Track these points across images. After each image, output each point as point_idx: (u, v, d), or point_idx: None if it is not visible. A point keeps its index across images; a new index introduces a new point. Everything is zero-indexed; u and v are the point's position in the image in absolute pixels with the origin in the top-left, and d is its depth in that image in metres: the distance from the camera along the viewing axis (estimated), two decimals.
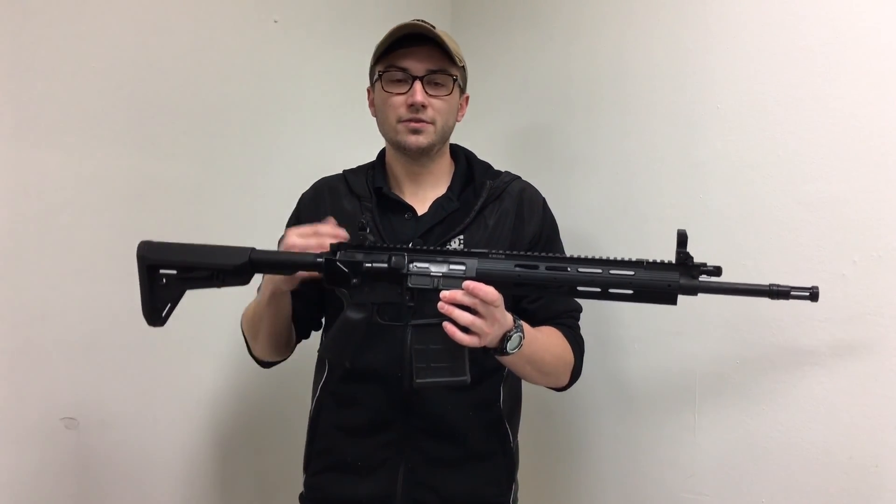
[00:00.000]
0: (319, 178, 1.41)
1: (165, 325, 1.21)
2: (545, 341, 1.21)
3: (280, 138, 1.80)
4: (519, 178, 1.37)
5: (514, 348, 1.11)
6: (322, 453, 1.30)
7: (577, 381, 1.32)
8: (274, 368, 1.40)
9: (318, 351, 1.34)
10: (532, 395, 1.42)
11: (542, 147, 1.79)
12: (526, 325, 1.14)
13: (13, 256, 1.45)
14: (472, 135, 1.52)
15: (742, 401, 1.32)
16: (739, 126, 1.33)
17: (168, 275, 1.13)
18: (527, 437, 1.40)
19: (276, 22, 1.80)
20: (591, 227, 1.62)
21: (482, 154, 1.40)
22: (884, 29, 1.13)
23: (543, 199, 1.36)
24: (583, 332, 1.34)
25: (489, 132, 1.88)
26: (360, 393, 1.25)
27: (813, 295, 1.00)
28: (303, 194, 1.39)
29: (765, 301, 1.27)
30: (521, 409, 1.39)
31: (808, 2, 1.23)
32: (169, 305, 1.14)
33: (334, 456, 1.28)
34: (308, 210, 1.34)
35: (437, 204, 1.30)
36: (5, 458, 1.44)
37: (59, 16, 1.50)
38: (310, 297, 1.29)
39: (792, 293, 1.00)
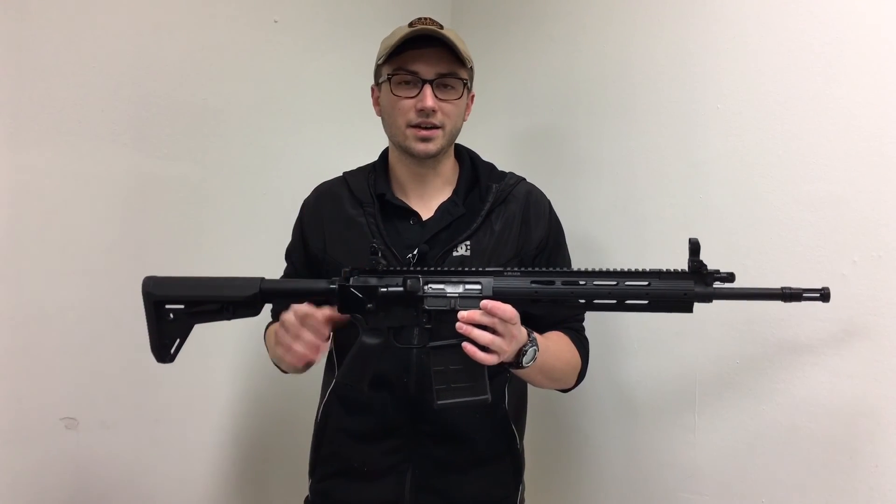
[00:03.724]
0: (319, 178, 1.40)
1: None
2: (555, 350, 1.22)
3: (280, 138, 1.80)
4: (524, 179, 1.36)
5: (530, 362, 1.11)
6: (329, 458, 1.29)
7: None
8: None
9: (336, 377, 1.30)
10: (535, 395, 1.42)
11: (543, 148, 1.79)
12: (538, 337, 1.14)
13: (13, 256, 1.45)
14: (473, 136, 1.52)
15: (742, 401, 1.32)
16: (740, 126, 1.33)
17: (175, 310, 1.11)
18: (530, 438, 1.40)
19: (276, 22, 1.80)
20: (592, 226, 1.62)
21: (484, 156, 1.40)
22: (884, 29, 1.13)
23: (549, 202, 1.36)
24: (585, 332, 1.34)
25: (490, 133, 1.88)
26: (366, 398, 1.25)
27: (824, 296, 1.02)
28: (305, 200, 1.38)
29: (765, 301, 1.28)
30: (526, 409, 1.39)
31: (808, 2, 1.23)
32: (178, 341, 1.13)
33: (341, 461, 1.27)
34: (311, 217, 1.34)
35: (442, 209, 1.29)
36: (5, 458, 1.44)
37: (59, 16, 1.49)
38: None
39: (804, 295, 1.02)
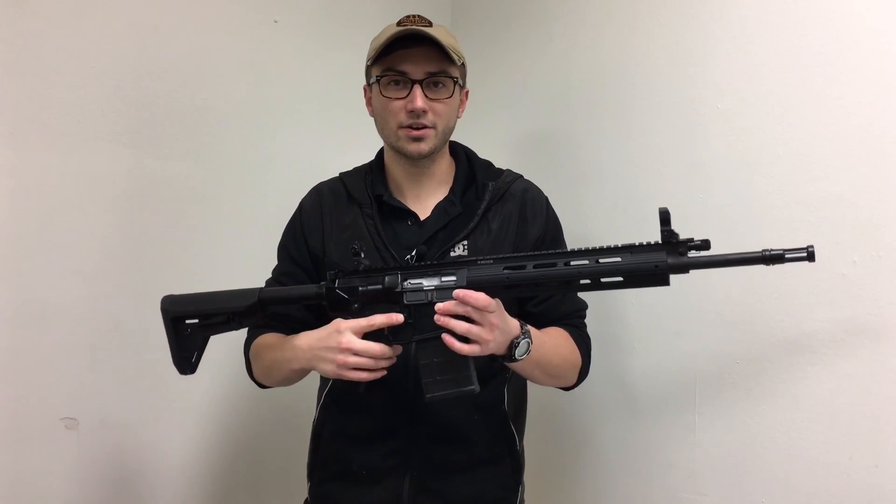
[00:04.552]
0: (318, 178, 1.40)
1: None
2: (553, 344, 1.21)
3: (279, 138, 1.80)
4: (521, 177, 1.35)
5: (523, 354, 1.10)
6: (327, 461, 1.29)
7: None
8: None
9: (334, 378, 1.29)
10: (535, 396, 1.42)
11: (543, 147, 1.79)
12: (533, 330, 1.13)
13: (13, 256, 1.45)
14: (472, 135, 1.52)
15: (742, 401, 1.32)
16: (740, 126, 1.33)
17: (191, 324, 1.20)
18: (530, 438, 1.40)
19: (276, 22, 1.80)
20: (592, 227, 1.62)
21: (482, 155, 1.40)
22: (884, 29, 1.13)
23: (546, 198, 1.35)
24: (586, 329, 1.33)
25: (489, 133, 1.88)
26: (364, 400, 1.24)
27: (810, 254, 0.93)
28: (302, 201, 1.37)
29: (764, 301, 1.28)
30: (526, 410, 1.38)
31: (808, 2, 1.23)
32: (196, 353, 1.21)
33: (340, 464, 1.27)
34: (310, 219, 1.33)
35: (439, 208, 1.28)
36: (5, 458, 1.44)
37: (59, 16, 1.50)
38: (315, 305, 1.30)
39: (787, 256, 0.93)
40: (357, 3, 1.93)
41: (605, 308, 1.52)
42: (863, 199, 1.15)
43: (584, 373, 1.29)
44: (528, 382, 1.37)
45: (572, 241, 1.39)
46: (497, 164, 1.39)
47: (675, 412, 1.45)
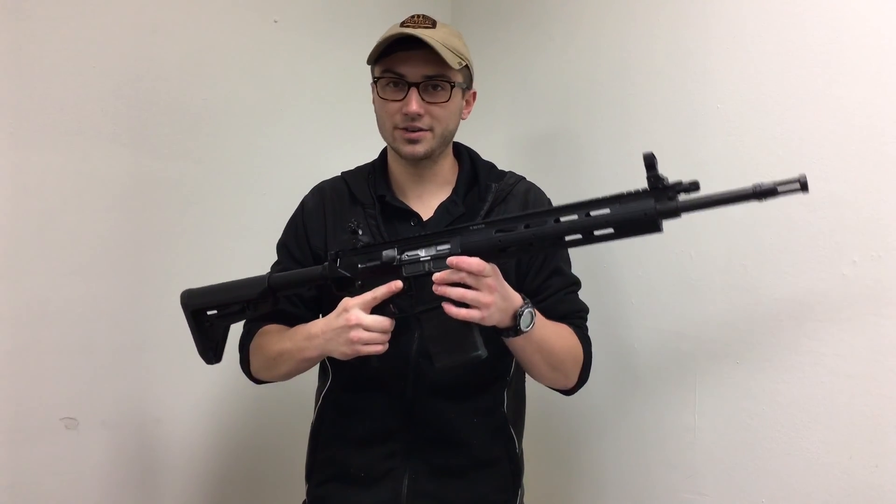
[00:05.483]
0: (319, 177, 1.40)
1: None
2: (555, 330, 1.20)
3: (279, 138, 1.80)
4: (523, 178, 1.35)
5: (528, 325, 1.10)
6: (325, 463, 1.29)
7: None
8: None
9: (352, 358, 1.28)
10: (534, 398, 1.42)
11: (543, 147, 1.79)
12: (536, 310, 1.13)
13: (13, 256, 1.45)
14: (471, 135, 1.52)
15: (742, 401, 1.32)
16: (740, 126, 1.33)
17: (211, 315, 1.23)
18: (529, 441, 1.39)
19: (276, 22, 1.80)
20: None
21: (482, 155, 1.40)
22: (884, 29, 1.13)
23: (549, 200, 1.35)
24: (587, 331, 1.33)
25: (489, 133, 1.88)
26: (363, 402, 1.24)
27: (803, 185, 0.88)
28: (304, 200, 1.37)
29: (764, 301, 1.28)
30: (525, 413, 1.38)
31: (808, 2, 1.23)
32: (218, 343, 1.25)
33: (338, 466, 1.27)
34: (313, 218, 1.33)
35: (442, 208, 1.28)
36: (5, 458, 1.45)
37: (58, 16, 1.50)
38: (307, 298, 1.30)
39: (779, 189, 0.89)
40: (357, 3, 1.93)
41: (604, 308, 1.52)
42: (863, 199, 1.15)
43: (584, 373, 1.27)
44: (528, 385, 1.37)
45: None
46: (496, 164, 1.38)
47: (675, 412, 1.45)
